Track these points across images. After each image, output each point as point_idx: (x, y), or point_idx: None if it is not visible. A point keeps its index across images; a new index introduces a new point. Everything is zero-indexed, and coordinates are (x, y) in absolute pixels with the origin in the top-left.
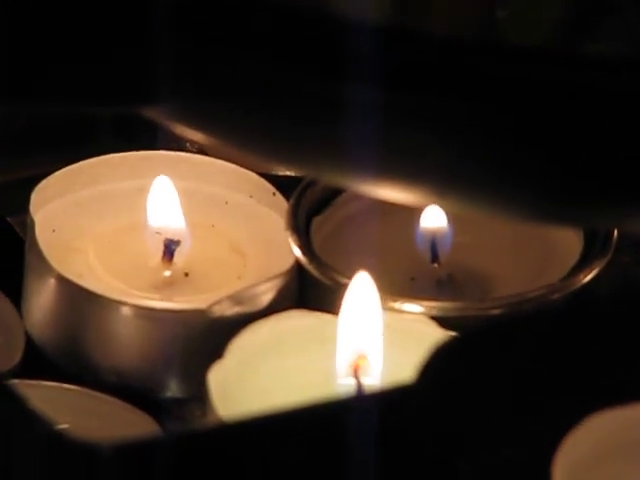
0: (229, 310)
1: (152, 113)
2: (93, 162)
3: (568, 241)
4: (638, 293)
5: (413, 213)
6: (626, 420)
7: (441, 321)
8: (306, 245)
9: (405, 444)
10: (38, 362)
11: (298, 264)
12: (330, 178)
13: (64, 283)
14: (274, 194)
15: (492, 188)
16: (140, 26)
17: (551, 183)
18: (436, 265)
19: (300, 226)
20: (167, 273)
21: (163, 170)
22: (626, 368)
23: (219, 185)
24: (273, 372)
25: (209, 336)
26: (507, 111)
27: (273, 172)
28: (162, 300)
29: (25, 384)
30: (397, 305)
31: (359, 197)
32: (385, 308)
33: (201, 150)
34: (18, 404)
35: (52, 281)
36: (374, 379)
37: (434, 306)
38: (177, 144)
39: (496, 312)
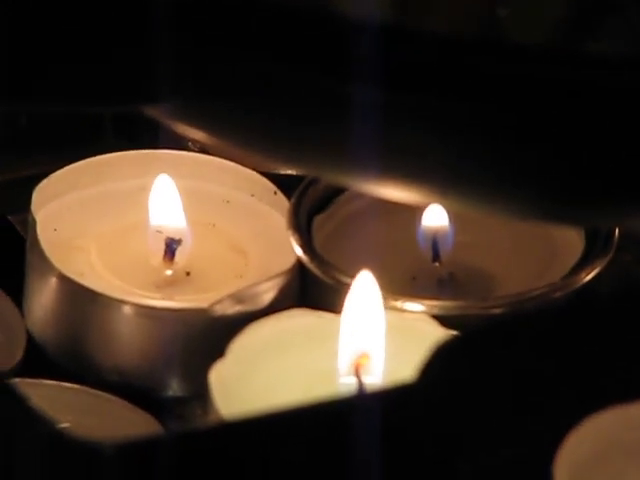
0: (230, 309)
1: (153, 112)
2: (94, 161)
3: (569, 240)
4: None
5: (415, 212)
6: (626, 420)
7: (442, 320)
8: (307, 244)
9: (405, 444)
10: (39, 361)
11: (299, 263)
12: (331, 177)
13: (65, 282)
14: (275, 193)
15: (493, 187)
16: (140, 26)
17: (552, 182)
18: (437, 264)
19: (301, 225)
20: (168, 272)
21: (164, 169)
22: (627, 368)
23: (220, 184)
24: (274, 371)
25: (210, 335)
26: (508, 110)
27: (274, 171)
28: (163, 299)
29: (26, 383)
30: (398, 304)
31: (360, 196)
32: (386, 307)
33: (202, 149)
34: (19, 403)
35: (53, 280)
36: (376, 378)
37: (435, 305)
38: (178, 143)
39: (497, 311)
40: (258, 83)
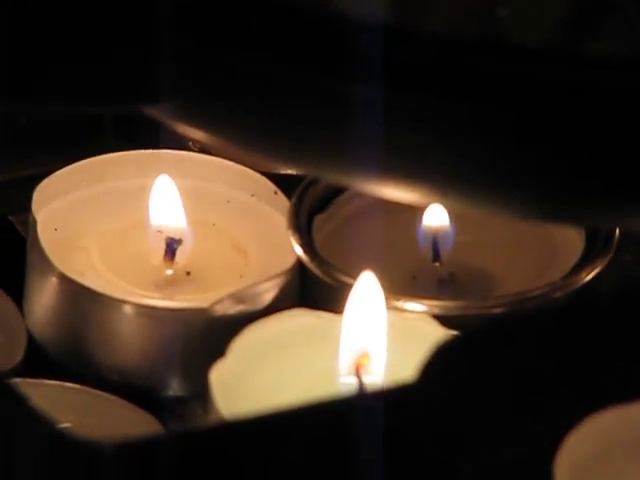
0: (231, 309)
1: (153, 112)
2: (95, 161)
3: (570, 240)
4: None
5: (415, 212)
6: (627, 420)
7: (443, 320)
8: (308, 244)
9: (405, 444)
10: (40, 361)
11: (300, 263)
12: (331, 177)
13: (66, 282)
14: (276, 193)
15: (493, 187)
16: (140, 26)
17: (552, 182)
18: (438, 264)
19: (302, 225)
20: (169, 272)
21: (165, 169)
22: (627, 368)
23: (221, 184)
24: (275, 371)
25: (211, 335)
26: (508, 110)
27: (275, 171)
28: (164, 299)
29: (27, 383)
30: (399, 304)
31: (361, 196)
32: (387, 307)
33: (203, 149)
34: (20, 403)
35: (54, 280)
36: (376, 378)
37: (436, 305)
38: (179, 143)
39: (498, 311)
40: (258, 83)
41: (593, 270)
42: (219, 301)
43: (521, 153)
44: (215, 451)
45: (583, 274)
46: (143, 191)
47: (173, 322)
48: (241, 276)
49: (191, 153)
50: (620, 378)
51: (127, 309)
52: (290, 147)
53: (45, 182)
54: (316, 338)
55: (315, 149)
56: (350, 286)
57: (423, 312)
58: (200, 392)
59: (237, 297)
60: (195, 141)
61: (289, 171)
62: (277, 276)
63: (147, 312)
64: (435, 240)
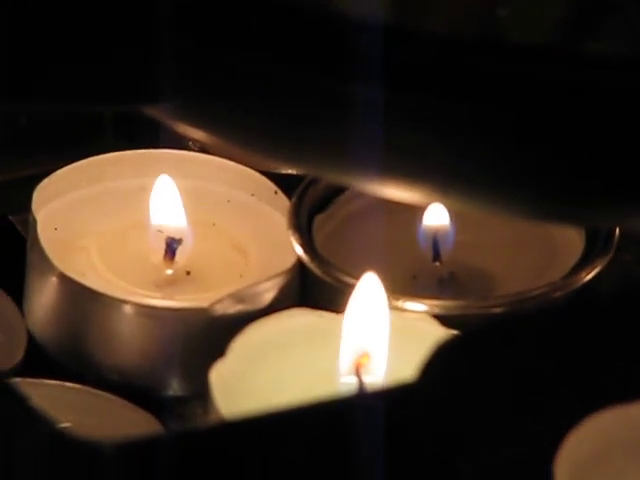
0: (231, 308)
1: (153, 112)
2: (95, 160)
3: (570, 240)
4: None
5: (415, 211)
6: (627, 419)
7: (443, 319)
8: (308, 243)
9: (406, 443)
10: (40, 360)
11: (300, 262)
12: (331, 177)
13: (66, 281)
14: (276, 192)
15: (493, 187)
16: (140, 26)
17: (553, 182)
18: (438, 263)
19: (302, 224)
20: (169, 271)
21: (165, 169)
22: (627, 368)
23: (221, 183)
24: (275, 370)
25: (211, 334)
26: (508, 110)
27: (275, 170)
28: (164, 298)
29: (27, 382)
30: (399, 303)
31: (361, 195)
32: (387, 307)
33: (203, 149)
34: (20, 403)
35: (54, 279)
36: (377, 377)
37: (436, 304)
38: (179, 143)
39: (498, 310)
40: (258, 83)
41: (593, 270)
42: (219, 301)
43: (521, 153)
44: (215, 451)
45: (583, 274)
46: (143, 191)
47: (173, 322)
48: (241, 276)
49: (191, 153)
50: (620, 378)
51: (127, 309)
52: (290, 147)
53: (45, 182)
54: (316, 338)
55: (315, 149)
56: (350, 286)
57: (423, 312)
58: (200, 392)
59: (237, 297)
60: (195, 141)
61: (289, 171)
62: (277, 276)
63: (147, 312)
64: (435, 240)
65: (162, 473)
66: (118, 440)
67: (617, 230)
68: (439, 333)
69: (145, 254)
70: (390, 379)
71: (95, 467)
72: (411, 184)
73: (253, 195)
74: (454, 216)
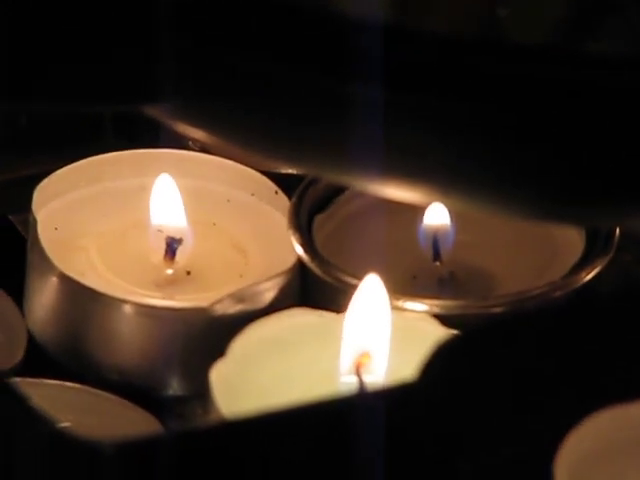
0: (231, 308)
1: (153, 112)
2: (95, 160)
3: (570, 239)
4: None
5: (416, 211)
6: (626, 420)
7: (443, 319)
8: (308, 243)
9: (406, 443)
10: (40, 360)
11: (300, 262)
12: (331, 177)
13: (66, 281)
14: (276, 192)
15: (493, 187)
16: (140, 26)
17: (553, 182)
18: (438, 263)
19: (302, 224)
20: (169, 271)
21: (165, 168)
22: (627, 368)
23: (221, 183)
24: (275, 370)
25: (211, 334)
26: (508, 110)
27: (275, 170)
28: (164, 298)
29: (27, 382)
30: (399, 303)
31: (361, 195)
32: (388, 307)
33: (203, 148)
34: (20, 402)
35: (54, 279)
36: (377, 377)
37: (436, 304)
38: (178, 143)
39: (498, 310)
40: (258, 83)
41: (593, 270)
42: (219, 301)
43: (521, 153)
44: (215, 450)
45: (583, 274)
46: (143, 191)
47: (173, 321)
48: (241, 276)
49: (191, 153)
50: (620, 378)
51: (127, 308)
52: (290, 147)
53: (45, 182)
54: (317, 337)
55: (315, 149)
56: (350, 286)
57: (423, 311)
58: (200, 392)
59: (237, 297)
60: (195, 140)
61: (289, 170)
62: (277, 276)
63: (147, 311)
64: (435, 239)
65: (162, 473)
66: (118, 440)
67: (617, 230)
68: (439, 333)
69: (145, 254)
70: (390, 379)
71: (95, 467)
72: (411, 184)
73: (253, 195)
74: (454, 216)
